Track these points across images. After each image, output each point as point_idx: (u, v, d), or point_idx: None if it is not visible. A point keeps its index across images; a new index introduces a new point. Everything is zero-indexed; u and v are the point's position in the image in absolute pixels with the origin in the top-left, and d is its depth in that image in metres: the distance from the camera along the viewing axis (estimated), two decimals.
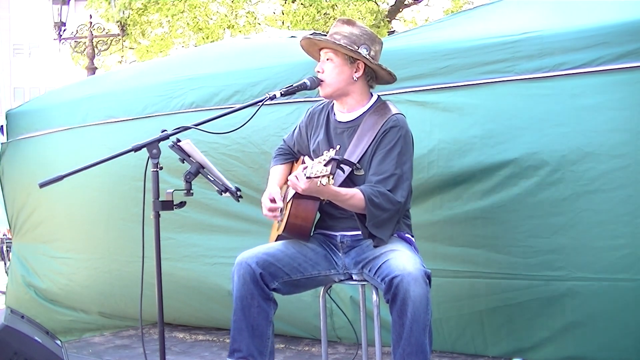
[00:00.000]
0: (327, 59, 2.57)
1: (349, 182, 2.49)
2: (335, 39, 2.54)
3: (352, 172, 2.48)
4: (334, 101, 2.69)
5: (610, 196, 2.80)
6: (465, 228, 3.11)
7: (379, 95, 2.68)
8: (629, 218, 2.78)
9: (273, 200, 2.56)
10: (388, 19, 13.16)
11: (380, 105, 2.62)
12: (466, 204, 3.10)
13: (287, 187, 2.64)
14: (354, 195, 2.38)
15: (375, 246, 2.47)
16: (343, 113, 2.65)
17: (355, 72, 2.58)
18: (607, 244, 2.81)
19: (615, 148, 2.80)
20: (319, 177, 2.11)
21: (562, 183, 2.90)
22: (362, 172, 2.32)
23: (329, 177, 2.10)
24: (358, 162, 2.47)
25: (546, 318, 2.98)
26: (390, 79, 2.66)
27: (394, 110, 2.58)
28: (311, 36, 2.62)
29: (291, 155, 2.85)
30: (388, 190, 2.42)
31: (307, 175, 2.15)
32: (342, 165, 2.27)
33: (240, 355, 2.45)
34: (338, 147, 2.55)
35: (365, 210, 2.39)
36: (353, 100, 2.62)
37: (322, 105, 2.78)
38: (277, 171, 2.81)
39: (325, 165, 2.13)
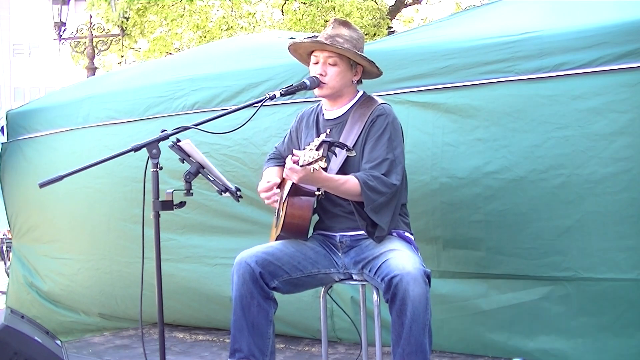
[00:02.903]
0: (332, 64, 2.58)
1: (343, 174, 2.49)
2: (339, 43, 2.55)
3: (344, 163, 2.49)
4: (324, 100, 2.71)
5: (615, 199, 2.82)
6: (470, 230, 3.11)
7: (364, 91, 2.71)
8: (634, 220, 2.79)
9: (270, 188, 2.58)
10: (389, 18, 13.14)
11: (366, 99, 2.66)
12: (470, 206, 3.09)
13: (282, 189, 2.65)
14: (348, 180, 2.39)
15: (376, 237, 2.46)
16: (331, 111, 2.68)
17: (355, 75, 2.64)
18: (613, 245, 2.83)
19: (619, 151, 2.80)
20: (311, 163, 2.13)
21: (567, 186, 2.90)
22: (354, 154, 2.34)
23: (321, 161, 2.12)
24: None
25: (550, 318, 2.98)
26: (379, 73, 2.70)
27: (379, 101, 2.63)
28: (323, 40, 2.59)
29: (283, 160, 2.85)
30: (382, 175, 2.43)
31: (300, 163, 2.16)
32: (334, 149, 2.27)
33: (241, 355, 2.45)
34: (328, 130, 2.58)
35: (362, 195, 2.39)
36: (344, 98, 2.66)
37: (311, 108, 2.81)
38: (271, 171, 2.82)
39: (317, 149, 2.15)
